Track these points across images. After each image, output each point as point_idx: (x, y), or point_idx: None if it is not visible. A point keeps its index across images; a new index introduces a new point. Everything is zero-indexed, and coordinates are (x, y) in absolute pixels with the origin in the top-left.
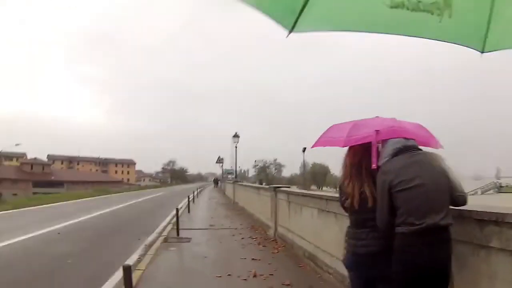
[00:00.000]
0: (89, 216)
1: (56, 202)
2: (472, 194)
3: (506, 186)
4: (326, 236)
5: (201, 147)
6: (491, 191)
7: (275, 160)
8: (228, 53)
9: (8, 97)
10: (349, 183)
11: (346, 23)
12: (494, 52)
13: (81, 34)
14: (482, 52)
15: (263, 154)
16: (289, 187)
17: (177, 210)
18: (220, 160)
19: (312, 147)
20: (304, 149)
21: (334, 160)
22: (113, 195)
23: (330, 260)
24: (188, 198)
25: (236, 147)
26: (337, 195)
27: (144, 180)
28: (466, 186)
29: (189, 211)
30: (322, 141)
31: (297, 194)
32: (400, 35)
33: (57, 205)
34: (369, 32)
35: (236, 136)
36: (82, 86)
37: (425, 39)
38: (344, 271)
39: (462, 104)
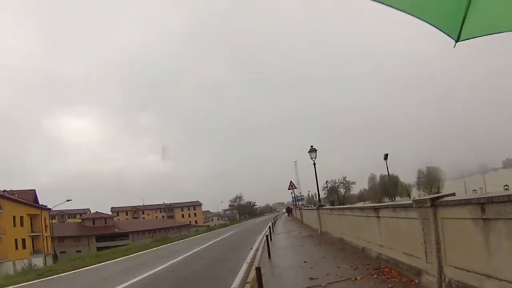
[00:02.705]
0: (131, 280)
1: (100, 262)
2: None
3: None
4: None
5: (265, 178)
6: None
7: (344, 178)
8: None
9: (69, 157)
10: None
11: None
12: None
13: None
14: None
15: (328, 174)
16: (453, 194)
17: (259, 270)
18: (292, 186)
19: None
20: (386, 156)
21: (402, 169)
22: (173, 243)
23: None
24: (267, 238)
25: (314, 163)
26: None
27: (212, 220)
28: None
29: (269, 256)
30: None
31: None
32: None
33: (99, 266)
34: None
35: (312, 150)
36: (139, 136)
37: None
38: None
39: None
